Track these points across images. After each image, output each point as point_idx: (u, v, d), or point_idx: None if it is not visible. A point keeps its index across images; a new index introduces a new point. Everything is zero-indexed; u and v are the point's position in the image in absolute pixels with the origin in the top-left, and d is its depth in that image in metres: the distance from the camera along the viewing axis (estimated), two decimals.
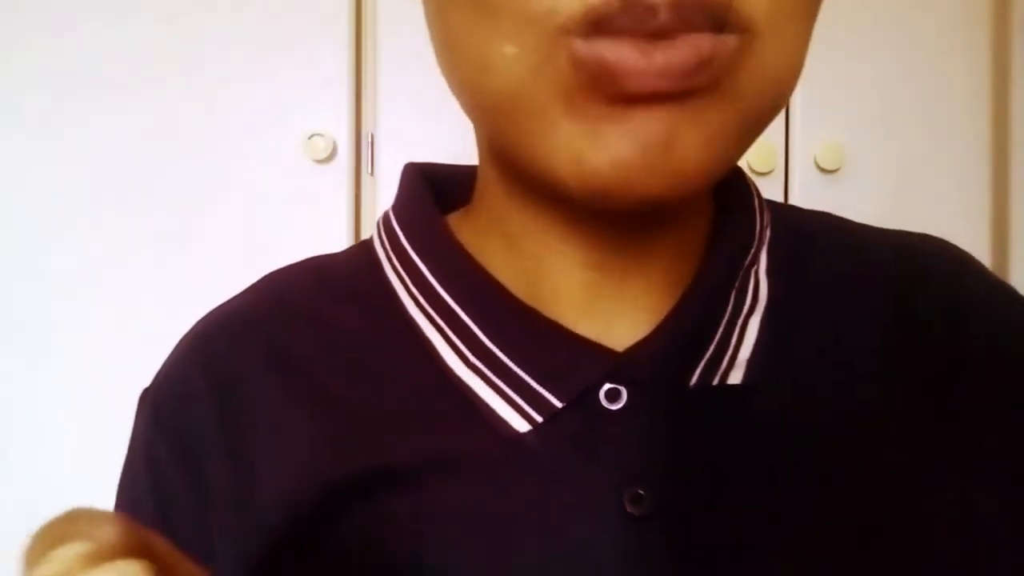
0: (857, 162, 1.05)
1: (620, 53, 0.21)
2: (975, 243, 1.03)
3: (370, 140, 1.04)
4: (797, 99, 1.05)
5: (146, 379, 0.37)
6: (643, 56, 0.21)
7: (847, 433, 0.31)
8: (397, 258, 0.34)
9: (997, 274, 0.37)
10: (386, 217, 0.36)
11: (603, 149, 0.23)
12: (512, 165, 0.29)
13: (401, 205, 0.36)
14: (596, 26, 0.21)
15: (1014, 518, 0.30)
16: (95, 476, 0.99)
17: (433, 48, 0.29)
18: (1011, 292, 0.36)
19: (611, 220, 0.30)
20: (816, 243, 0.36)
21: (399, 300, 0.34)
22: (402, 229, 0.35)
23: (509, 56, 0.23)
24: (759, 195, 0.36)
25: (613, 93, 0.22)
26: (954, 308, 0.34)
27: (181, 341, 0.37)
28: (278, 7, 1.02)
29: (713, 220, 0.34)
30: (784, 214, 0.37)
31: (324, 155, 1.01)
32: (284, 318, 0.35)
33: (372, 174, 1.05)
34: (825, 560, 0.29)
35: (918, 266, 0.35)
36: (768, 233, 0.35)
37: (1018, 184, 1.04)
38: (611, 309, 0.32)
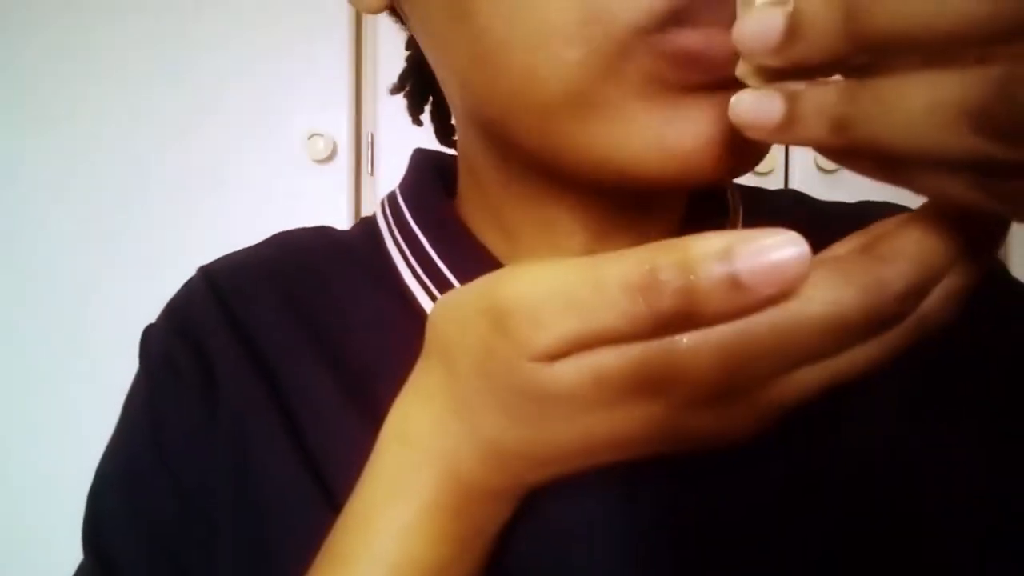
0: None
1: (709, 40, 0.22)
2: None
3: (370, 140, 1.04)
4: None
5: None
6: (718, 40, 0.21)
7: (826, 409, 0.31)
8: (400, 232, 0.35)
9: None
10: (392, 196, 0.37)
11: (685, 132, 0.23)
12: (532, 155, 0.28)
13: (409, 186, 0.37)
14: (676, 19, 0.22)
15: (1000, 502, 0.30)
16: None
17: (435, 56, 0.29)
18: None
19: (609, 201, 0.31)
20: (781, 219, 0.36)
21: (396, 271, 0.34)
22: (408, 207, 0.35)
23: (571, 61, 0.23)
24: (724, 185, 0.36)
25: (692, 82, 0.23)
26: None
27: (189, 280, 0.38)
28: (278, 7, 1.02)
29: (690, 199, 0.35)
30: (752, 194, 0.38)
31: (324, 155, 1.01)
32: (297, 269, 0.36)
33: (372, 174, 1.05)
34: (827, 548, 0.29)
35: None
36: (740, 211, 0.35)
37: None
38: None
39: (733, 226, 0.34)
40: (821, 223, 0.35)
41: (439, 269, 0.33)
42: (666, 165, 0.24)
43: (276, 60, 1.02)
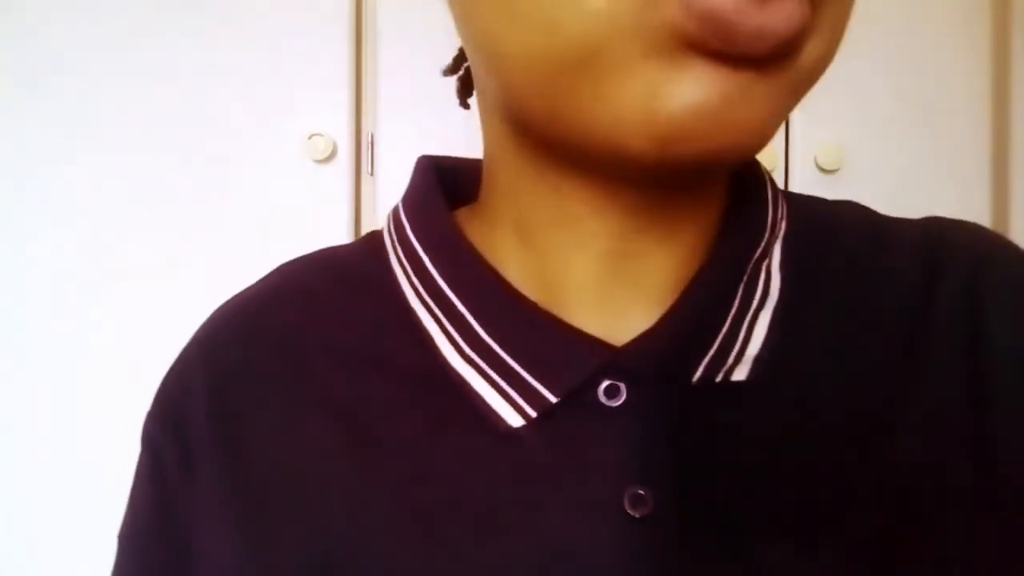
0: (857, 162, 1.05)
1: (739, 4, 0.21)
2: None
3: (370, 140, 1.04)
4: None
5: (145, 377, 0.37)
6: (761, 10, 0.21)
7: (852, 434, 0.30)
8: (402, 249, 0.34)
9: None
10: (396, 209, 0.36)
11: (679, 94, 0.23)
12: (547, 130, 0.27)
13: (410, 197, 0.36)
14: None
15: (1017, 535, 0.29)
16: (93, 477, 0.99)
17: (462, 23, 0.28)
18: None
19: (633, 197, 0.30)
20: (837, 237, 0.35)
21: (401, 290, 0.34)
22: (409, 220, 0.34)
23: (595, 10, 0.22)
24: (774, 186, 0.35)
25: (711, 48, 0.22)
26: (972, 295, 0.32)
27: (185, 351, 0.38)
28: (278, 7, 1.02)
29: (726, 211, 0.33)
30: (805, 206, 0.36)
31: (324, 155, 1.01)
32: (291, 309, 0.35)
33: (372, 174, 1.05)
34: (826, 561, 0.28)
35: (940, 255, 0.33)
36: (783, 225, 0.34)
37: (1018, 184, 1.04)
38: (624, 298, 0.31)
39: (769, 244, 0.32)
40: (875, 243, 0.34)
41: (443, 291, 0.32)
42: (652, 130, 0.23)
43: (276, 60, 1.02)
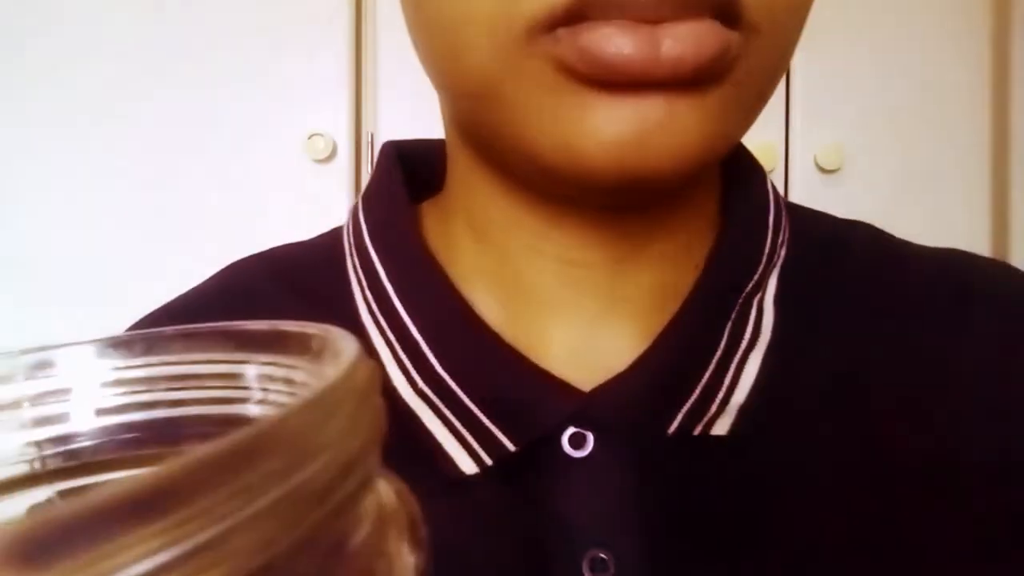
0: (857, 162, 1.05)
1: (618, 45, 0.19)
2: (975, 243, 1.03)
3: (370, 140, 1.04)
4: (797, 99, 1.05)
5: None
6: (646, 45, 0.19)
7: (843, 487, 0.27)
8: (358, 256, 0.30)
9: None
10: (355, 206, 0.32)
11: (592, 133, 0.21)
12: (488, 149, 0.26)
13: (371, 193, 0.32)
14: (582, 12, 0.20)
15: None
16: None
17: (405, 20, 0.27)
18: None
19: (597, 211, 0.27)
20: (841, 264, 0.31)
21: (354, 304, 0.30)
22: (367, 222, 0.30)
23: (481, 49, 0.22)
24: (778, 203, 0.31)
25: (600, 79, 0.21)
26: (1002, 360, 0.28)
27: None
28: (278, 7, 1.02)
29: (720, 231, 0.29)
30: (810, 223, 0.32)
31: (324, 155, 1.01)
32: (226, 313, 0.30)
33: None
34: None
35: (964, 307, 0.30)
36: (782, 253, 0.30)
37: (1018, 184, 1.04)
38: (593, 307, 0.28)
39: (764, 276, 0.29)
40: (887, 272, 0.31)
41: (396, 311, 0.28)
42: (575, 167, 0.22)
43: (276, 60, 1.02)
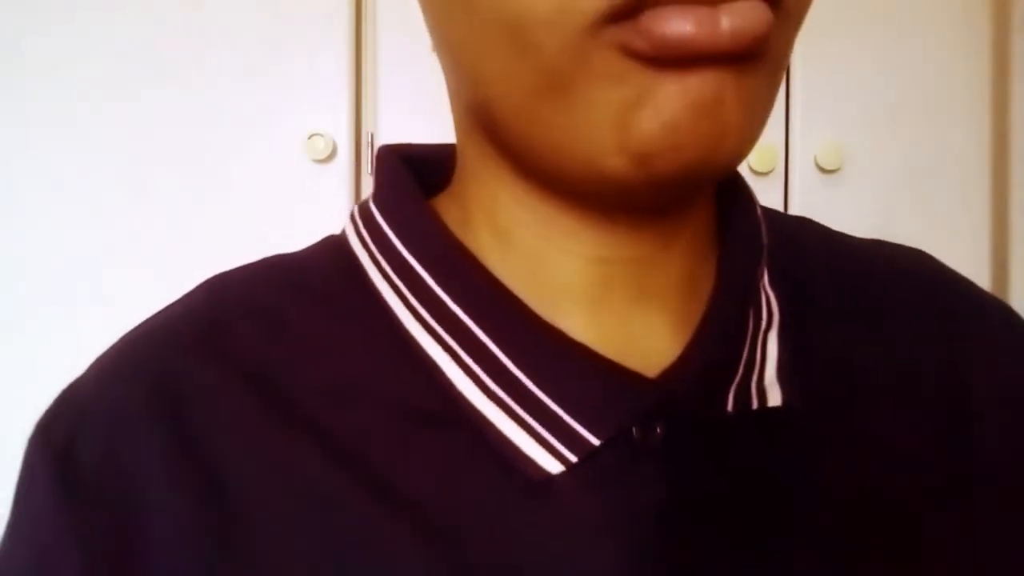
0: (857, 162, 1.05)
1: (681, 28, 0.20)
2: (975, 243, 1.03)
3: (370, 140, 1.04)
4: (797, 99, 1.05)
5: None
6: (708, 22, 0.20)
7: (878, 457, 0.30)
8: (388, 263, 0.29)
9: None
10: (366, 212, 0.31)
11: (654, 114, 0.22)
12: (526, 154, 0.26)
13: (385, 197, 0.31)
14: (637, 6, 0.21)
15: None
16: None
17: (436, 36, 0.27)
18: (1005, 309, 0.37)
19: (620, 208, 0.28)
20: (807, 252, 0.34)
21: (391, 312, 0.29)
22: (391, 227, 0.30)
23: (546, 45, 0.22)
24: (756, 200, 0.33)
25: (669, 57, 0.21)
26: (957, 345, 0.33)
27: (92, 365, 0.31)
28: (278, 7, 1.02)
29: (720, 222, 0.32)
30: (771, 218, 0.34)
31: (324, 155, 1.01)
32: (246, 323, 0.30)
33: (372, 174, 1.05)
34: None
35: (933, 291, 0.35)
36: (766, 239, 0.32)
37: (1018, 184, 1.04)
38: (623, 301, 0.29)
39: (762, 265, 0.31)
40: (843, 260, 0.35)
41: (456, 317, 0.28)
42: (630, 153, 0.23)
43: (276, 60, 1.02)
